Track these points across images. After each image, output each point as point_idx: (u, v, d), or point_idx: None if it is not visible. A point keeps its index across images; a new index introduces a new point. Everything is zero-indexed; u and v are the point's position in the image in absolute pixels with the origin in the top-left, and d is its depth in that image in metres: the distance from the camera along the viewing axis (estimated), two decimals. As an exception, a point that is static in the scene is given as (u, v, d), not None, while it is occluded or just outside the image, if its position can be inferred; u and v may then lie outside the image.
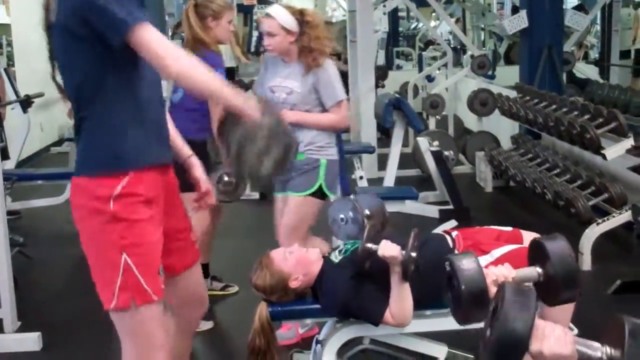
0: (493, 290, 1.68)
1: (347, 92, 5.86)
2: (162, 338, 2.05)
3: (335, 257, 2.74)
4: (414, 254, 2.47)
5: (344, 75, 7.15)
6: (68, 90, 1.99)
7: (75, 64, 1.93)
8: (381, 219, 2.88)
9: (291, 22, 3.28)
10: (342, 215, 2.93)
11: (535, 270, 1.69)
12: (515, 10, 7.39)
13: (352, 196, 3.20)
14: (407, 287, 2.55)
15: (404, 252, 2.47)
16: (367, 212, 2.87)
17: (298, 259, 2.65)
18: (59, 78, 2.01)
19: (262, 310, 2.61)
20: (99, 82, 1.92)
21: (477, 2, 11.19)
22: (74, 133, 2.02)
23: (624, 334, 1.26)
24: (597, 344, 1.31)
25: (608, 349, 1.29)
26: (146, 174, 1.99)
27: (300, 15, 3.31)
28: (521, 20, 6.41)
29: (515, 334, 1.27)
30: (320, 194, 3.35)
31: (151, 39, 1.85)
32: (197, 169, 2.32)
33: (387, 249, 2.49)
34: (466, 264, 1.66)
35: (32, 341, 3.33)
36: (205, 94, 2.11)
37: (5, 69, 6.39)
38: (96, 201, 1.94)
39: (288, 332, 3.39)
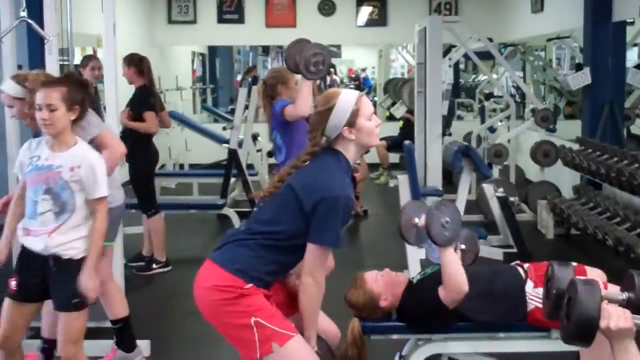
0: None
1: (412, 140, 6.27)
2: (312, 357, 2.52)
3: (416, 280, 3.09)
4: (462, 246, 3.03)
5: (412, 127, 7.53)
6: (272, 222, 2.54)
7: (287, 218, 2.51)
8: (474, 251, 3.23)
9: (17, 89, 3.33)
10: (444, 220, 2.93)
11: (623, 294, 2.00)
12: (579, 67, 7.70)
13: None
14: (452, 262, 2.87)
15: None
16: (462, 246, 3.20)
17: (388, 282, 3.00)
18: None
19: (355, 324, 2.95)
20: (286, 239, 2.51)
21: (539, 57, 11.54)
22: (241, 236, 2.56)
23: None
24: None
25: None
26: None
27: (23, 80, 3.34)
28: (585, 77, 6.73)
29: (588, 316, 1.73)
30: None
31: (317, 263, 2.50)
32: None
33: None
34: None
35: (142, 348, 3.72)
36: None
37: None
38: (227, 287, 2.46)
39: None
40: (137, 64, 5.31)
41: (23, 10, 3.66)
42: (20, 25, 3.79)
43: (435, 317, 2.94)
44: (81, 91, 2.95)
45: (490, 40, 8.32)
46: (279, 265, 2.57)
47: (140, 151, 5.17)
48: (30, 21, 3.64)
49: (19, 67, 4.41)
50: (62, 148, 2.90)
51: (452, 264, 2.85)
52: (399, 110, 9.33)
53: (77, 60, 6.06)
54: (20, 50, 4.34)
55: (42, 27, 3.61)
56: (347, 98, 2.54)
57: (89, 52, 8.10)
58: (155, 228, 5.43)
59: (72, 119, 2.90)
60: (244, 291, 2.45)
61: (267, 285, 2.55)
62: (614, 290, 2.13)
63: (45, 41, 3.60)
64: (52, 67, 3.65)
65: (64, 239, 2.87)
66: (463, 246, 3.18)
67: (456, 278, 2.83)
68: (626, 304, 2.00)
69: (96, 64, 5.64)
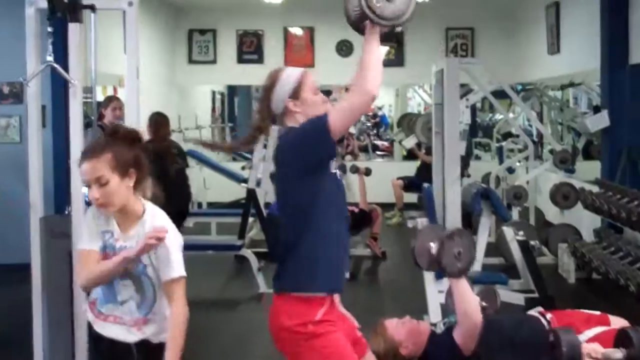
0: None
1: (429, 181, 6.24)
2: None
3: (440, 329, 3.06)
4: None
5: (428, 167, 7.54)
6: (282, 216, 2.46)
7: (293, 199, 2.42)
8: (494, 308, 3.21)
9: None
10: (456, 250, 2.94)
11: (620, 351, 2.11)
12: (596, 109, 7.69)
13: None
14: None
15: None
16: (483, 303, 3.17)
17: (409, 330, 2.97)
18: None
19: (375, 373, 2.92)
20: (309, 214, 2.38)
21: (556, 98, 11.53)
22: (281, 252, 2.44)
23: None
24: None
25: None
26: (333, 302, 2.44)
27: None
28: (603, 120, 6.71)
29: None
30: None
31: (341, 109, 2.32)
32: None
33: None
34: (569, 337, 2.08)
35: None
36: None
37: None
38: (299, 326, 2.37)
39: None
40: (150, 124, 5.53)
41: (49, 55, 3.69)
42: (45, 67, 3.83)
43: None
44: (131, 148, 2.39)
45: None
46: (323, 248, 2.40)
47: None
48: (56, 65, 3.68)
49: (43, 107, 4.46)
50: (132, 222, 2.39)
51: (465, 294, 2.83)
52: (410, 142, 9.36)
53: (99, 98, 6.14)
54: (43, 91, 4.39)
55: (65, 68, 3.65)
56: (291, 72, 2.55)
57: (110, 91, 8.20)
58: None
59: (131, 185, 2.37)
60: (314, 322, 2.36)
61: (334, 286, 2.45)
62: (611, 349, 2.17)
63: (70, 85, 3.63)
64: (76, 110, 3.68)
65: (156, 327, 2.47)
66: (484, 303, 3.16)
67: (468, 308, 2.82)
68: None
69: (117, 104, 5.71)
